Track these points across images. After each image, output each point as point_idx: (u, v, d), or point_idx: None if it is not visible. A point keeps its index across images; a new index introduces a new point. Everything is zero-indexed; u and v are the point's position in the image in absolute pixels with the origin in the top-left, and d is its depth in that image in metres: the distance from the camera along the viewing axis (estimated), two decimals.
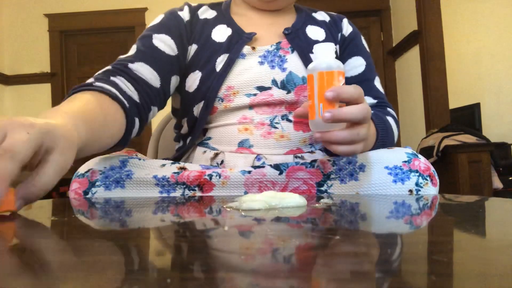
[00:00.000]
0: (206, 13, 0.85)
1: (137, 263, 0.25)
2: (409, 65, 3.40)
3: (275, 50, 0.79)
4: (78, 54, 4.02)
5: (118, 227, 0.39)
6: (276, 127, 0.74)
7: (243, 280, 0.20)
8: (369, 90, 0.83)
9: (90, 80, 0.67)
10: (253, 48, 0.79)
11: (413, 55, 3.36)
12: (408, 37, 3.35)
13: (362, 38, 0.90)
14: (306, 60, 0.78)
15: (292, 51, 0.80)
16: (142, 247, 0.30)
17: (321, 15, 0.90)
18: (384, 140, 0.71)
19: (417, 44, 3.27)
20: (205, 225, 0.38)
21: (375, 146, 0.69)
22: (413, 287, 0.19)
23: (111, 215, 0.47)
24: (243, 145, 0.74)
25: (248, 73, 0.76)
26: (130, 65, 0.72)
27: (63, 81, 3.95)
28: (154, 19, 0.83)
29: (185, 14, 0.83)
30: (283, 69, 0.77)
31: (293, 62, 0.78)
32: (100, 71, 0.71)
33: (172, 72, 0.78)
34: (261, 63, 0.78)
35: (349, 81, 0.84)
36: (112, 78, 0.68)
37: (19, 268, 0.24)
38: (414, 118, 3.36)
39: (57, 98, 3.91)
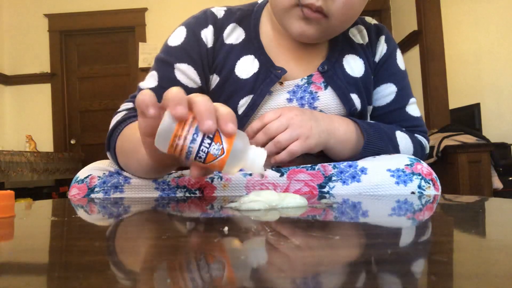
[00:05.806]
0: (233, 36, 0.75)
1: (137, 263, 0.25)
2: (409, 65, 3.39)
3: (306, 85, 0.73)
4: (78, 54, 4.02)
5: (118, 227, 0.39)
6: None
7: (244, 280, 0.20)
8: (400, 119, 0.78)
9: (122, 114, 0.67)
10: (281, 83, 0.73)
11: (413, 55, 3.36)
12: (408, 37, 3.35)
13: (398, 53, 0.81)
14: (345, 99, 0.73)
15: (326, 87, 0.73)
16: (141, 247, 0.30)
17: (361, 34, 0.79)
18: (376, 143, 0.69)
19: (417, 44, 3.27)
20: (205, 225, 0.38)
21: (365, 145, 0.68)
22: (413, 287, 0.19)
23: (111, 215, 0.47)
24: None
25: None
26: None
27: (63, 81, 3.95)
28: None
29: (208, 36, 0.73)
30: (313, 108, 0.73)
31: (325, 100, 0.73)
32: (123, 108, 0.71)
33: None
34: (290, 100, 0.73)
35: (378, 111, 0.79)
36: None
37: (19, 268, 0.24)
38: None
39: (57, 98, 3.91)
